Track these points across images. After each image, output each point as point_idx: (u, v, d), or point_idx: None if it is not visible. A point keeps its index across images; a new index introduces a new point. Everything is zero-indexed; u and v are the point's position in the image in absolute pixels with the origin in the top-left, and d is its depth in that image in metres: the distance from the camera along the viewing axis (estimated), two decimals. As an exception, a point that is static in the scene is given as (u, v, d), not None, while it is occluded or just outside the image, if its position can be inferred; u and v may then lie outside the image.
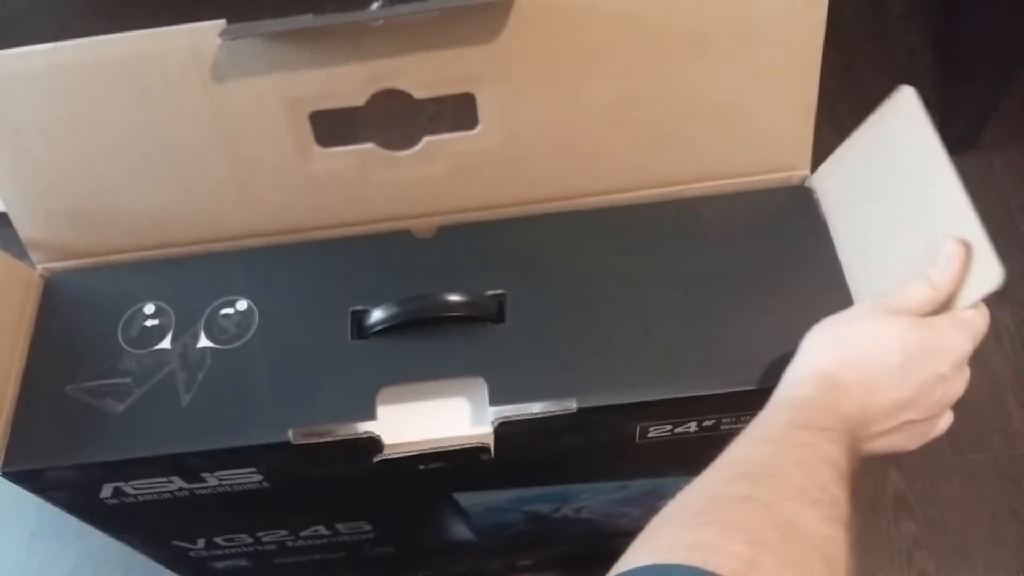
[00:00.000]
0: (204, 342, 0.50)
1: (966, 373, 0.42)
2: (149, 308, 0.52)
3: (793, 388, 0.41)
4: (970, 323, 0.41)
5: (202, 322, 0.51)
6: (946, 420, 0.43)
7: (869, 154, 0.49)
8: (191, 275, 0.53)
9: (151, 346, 0.50)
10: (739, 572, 0.29)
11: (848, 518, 0.33)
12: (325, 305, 0.51)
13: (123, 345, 0.50)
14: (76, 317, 0.52)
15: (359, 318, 0.50)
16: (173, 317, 0.51)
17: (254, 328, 0.51)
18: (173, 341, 0.50)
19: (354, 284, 0.52)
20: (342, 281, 0.52)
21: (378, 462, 0.47)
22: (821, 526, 0.32)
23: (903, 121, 0.45)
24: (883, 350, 0.40)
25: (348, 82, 0.48)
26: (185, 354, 0.50)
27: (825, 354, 0.41)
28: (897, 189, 0.46)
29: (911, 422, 0.41)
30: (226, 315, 0.51)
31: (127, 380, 0.49)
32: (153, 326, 0.51)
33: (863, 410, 0.39)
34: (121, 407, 0.48)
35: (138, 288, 0.53)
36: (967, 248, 0.40)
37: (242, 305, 0.51)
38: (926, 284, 0.41)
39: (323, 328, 0.50)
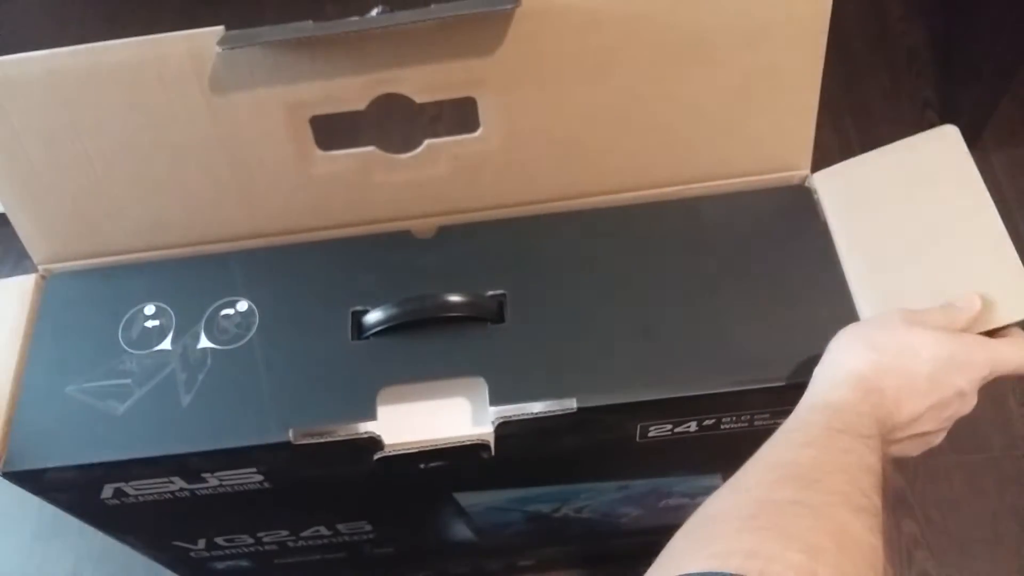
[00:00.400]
0: (204, 342, 0.50)
1: (976, 395, 0.42)
2: (149, 308, 0.52)
3: (829, 391, 0.41)
4: (995, 348, 0.42)
5: (202, 323, 0.51)
6: (944, 433, 0.44)
7: (893, 171, 0.51)
8: (191, 275, 0.53)
9: (151, 347, 0.50)
10: None
11: (883, 526, 0.34)
12: (325, 305, 0.51)
13: (123, 346, 0.50)
14: (76, 317, 0.52)
15: (359, 318, 0.50)
16: (173, 318, 0.51)
17: (254, 328, 0.51)
18: (173, 342, 0.50)
19: (354, 284, 0.52)
20: (342, 281, 0.52)
21: (378, 461, 0.47)
22: (867, 536, 0.33)
23: (942, 151, 0.50)
24: (917, 359, 0.40)
25: (348, 88, 0.48)
26: (185, 355, 0.50)
27: (862, 357, 0.41)
28: (922, 209, 0.49)
29: (924, 433, 0.42)
30: (226, 316, 0.51)
31: (127, 381, 0.49)
32: (153, 327, 0.51)
33: (891, 416, 0.40)
34: (122, 408, 0.48)
35: (138, 288, 0.53)
36: (985, 306, 0.44)
37: (242, 306, 0.51)
38: (946, 317, 0.43)
39: (323, 328, 0.50)
